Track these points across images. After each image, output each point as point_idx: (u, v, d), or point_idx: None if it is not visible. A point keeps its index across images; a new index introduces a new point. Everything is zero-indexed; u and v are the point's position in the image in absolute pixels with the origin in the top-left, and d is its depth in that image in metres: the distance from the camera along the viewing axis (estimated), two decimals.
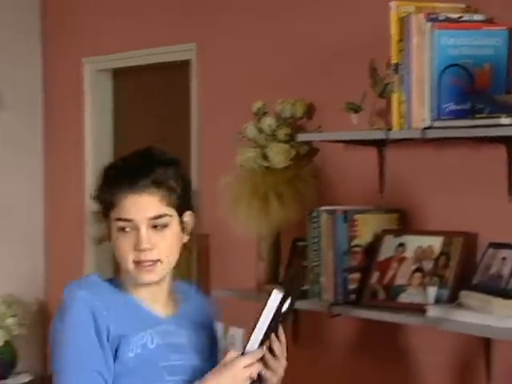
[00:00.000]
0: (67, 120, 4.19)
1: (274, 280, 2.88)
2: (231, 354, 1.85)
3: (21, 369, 4.03)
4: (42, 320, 4.24)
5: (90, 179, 3.92)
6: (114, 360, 1.85)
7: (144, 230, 1.86)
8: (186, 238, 1.92)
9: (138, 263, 1.86)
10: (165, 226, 1.87)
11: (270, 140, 2.88)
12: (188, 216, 1.92)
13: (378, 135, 2.52)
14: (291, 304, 1.87)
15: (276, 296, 1.81)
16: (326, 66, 2.90)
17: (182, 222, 1.90)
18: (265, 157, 2.87)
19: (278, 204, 2.82)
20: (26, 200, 4.32)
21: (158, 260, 1.87)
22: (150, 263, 1.87)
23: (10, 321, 4.02)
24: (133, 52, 3.74)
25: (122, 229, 1.87)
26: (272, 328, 1.84)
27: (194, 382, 1.88)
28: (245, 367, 1.84)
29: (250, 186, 2.86)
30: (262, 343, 1.84)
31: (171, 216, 1.88)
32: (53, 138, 4.29)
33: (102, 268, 3.90)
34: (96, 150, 4.05)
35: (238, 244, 3.13)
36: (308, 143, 2.86)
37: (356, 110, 2.64)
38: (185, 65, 3.49)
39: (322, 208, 2.66)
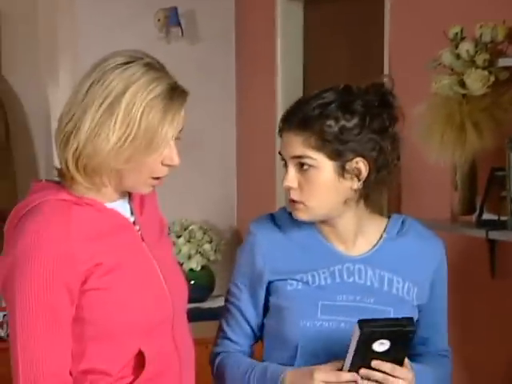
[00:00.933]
0: (258, 50, 4.23)
1: (469, 211, 2.84)
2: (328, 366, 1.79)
3: (217, 293, 4.17)
4: (237, 246, 4.35)
5: (280, 108, 3.96)
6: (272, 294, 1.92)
7: (291, 169, 1.85)
8: (355, 185, 1.85)
9: (288, 199, 1.88)
10: (308, 167, 1.84)
11: (467, 66, 2.78)
12: (357, 163, 1.84)
13: None
14: (393, 343, 1.74)
15: (355, 331, 1.71)
16: None
17: (342, 168, 1.84)
18: (461, 84, 2.79)
19: (475, 133, 2.75)
20: (218, 128, 4.41)
21: (301, 202, 1.85)
22: (293, 202, 1.87)
23: (206, 246, 4.15)
24: None
25: (284, 164, 1.89)
26: (360, 359, 1.75)
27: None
28: (322, 381, 1.78)
29: (445, 115, 2.79)
30: (350, 370, 1.75)
31: (315, 159, 1.83)
32: (245, 68, 4.35)
33: None
34: (286, 79, 4.06)
35: (432, 174, 3.08)
36: (508, 69, 2.75)
37: None
38: None
39: None
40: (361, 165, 1.84)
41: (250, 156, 4.37)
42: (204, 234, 4.17)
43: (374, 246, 1.92)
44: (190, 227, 4.15)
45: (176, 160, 1.80)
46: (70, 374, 1.79)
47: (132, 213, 1.88)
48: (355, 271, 1.90)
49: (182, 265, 4.08)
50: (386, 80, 1.92)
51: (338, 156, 1.83)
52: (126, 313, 1.79)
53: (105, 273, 1.77)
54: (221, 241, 4.24)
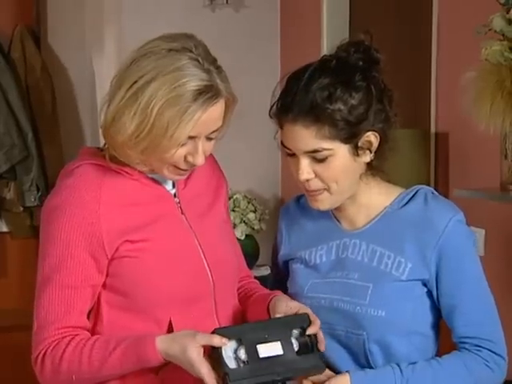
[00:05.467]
0: (304, 16, 4.18)
1: None
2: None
3: (262, 262, 4.15)
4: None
5: None
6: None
7: (303, 162, 1.77)
8: (368, 158, 1.80)
9: (305, 190, 1.82)
10: (325, 158, 1.76)
11: None
12: (368, 136, 1.78)
13: None
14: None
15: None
16: None
17: (355, 147, 1.78)
18: None
19: None
20: (263, 98, 4.35)
21: (324, 189, 1.79)
22: (314, 192, 1.80)
23: (250, 216, 4.14)
24: None
25: (287, 153, 1.80)
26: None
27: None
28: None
29: (495, 81, 2.72)
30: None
31: (331, 149, 1.75)
32: (290, 36, 4.30)
33: None
34: (333, 47, 4.01)
35: (481, 142, 3.03)
36: None
37: None
38: None
39: None
40: (372, 137, 1.79)
41: None
42: (248, 203, 4.16)
43: (373, 219, 1.86)
44: (235, 196, 4.14)
45: (198, 160, 1.74)
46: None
47: (174, 185, 1.85)
48: (350, 246, 1.85)
49: None
50: (362, 36, 1.84)
51: (353, 138, 1.77)
52: (156, 285, 1.75)
53: (134, 241, 1.75)
54: (265, 210, 4.23)
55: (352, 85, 1.75)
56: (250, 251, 4.12)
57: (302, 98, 1.74)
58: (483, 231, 2.68)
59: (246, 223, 4.13)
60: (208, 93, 1.71)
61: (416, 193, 1.87)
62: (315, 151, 1.75)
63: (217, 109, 1.74)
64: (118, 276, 1.76)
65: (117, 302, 1.77)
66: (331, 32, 4.01)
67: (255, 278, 4.23)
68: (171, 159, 1.74)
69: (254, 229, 4.14)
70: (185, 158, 1.74)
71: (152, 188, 1.80)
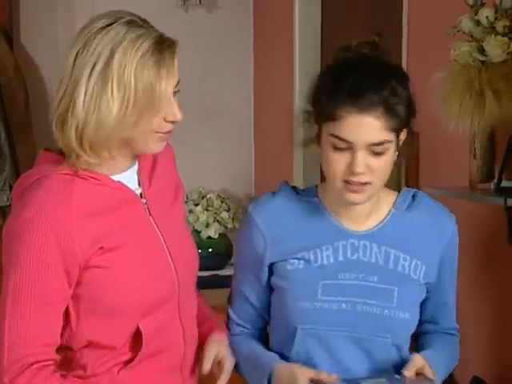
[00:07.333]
0: (276, 17, 4.21)
1: (488, 178, 2.81)
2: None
3: (234, 260, 4.21)
4: None
5: (298, 76, 3.95)
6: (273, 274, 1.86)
7: (361, 155, 1.71)
8: (395, 156, 1.79)
9: (347, 182, 1.74)
10: (383, 152, 1.73)
11: (487, 33, 2.74)
12: (404, 134, 1.79)
13: None
14: None
15: None
16: None
17: (398, 143, 1.77)
18: (481, 51, 2.74)
19: (494, 100, 2.71)
20: (236, 97, 4.40)
21: (369, 183, 1.74)
22: (360, 185, 1.74)
23: (224, 215, 4.16)
24: None
25: (337, 147, 1.73)
26: None
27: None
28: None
29: (464, 82, 2.75)
30: None
31: (391, 142, 1.73)
32: (262, 36, 4.33)
33: (310, 168, 3.95)
34: (304, 47, 4.04)
35: (450, 142, 3.06)
36: None
37: None
38: None
39: None
40: (404, 134, 1.80)
41: (267, 124, 4.36)
42: (222, 202, 4.18)
43: (382, 221, 1.84)
44: (208, 195, 4.16)
45: (178, 115, 1.73)
46: (71, 349, 1.76)
47: (139, 184, 1.82)
48: (360, 247, 1.82)
49: (199, 233, 4.11)
50: (375, 38, 1.83)
51: (400, 132, 1.76)
52: (124, 291, 1.74)
53: (106, 251, 1.72)
54: (238, 209, 4.25)
55: (404, 74, 1.77)
56: (223, 250, 4.15)
57: (372, 89, 1.70)
58: None
59: (219, 222, 4.14)
60: (165, 42, 1.71)
61: (414, 196, 1.89)
62: (379, 144, 1.71)
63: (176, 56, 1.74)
64: (85, 285, 1.73)
65: (83, 308, 1.75)
66: (303, 32, 4.03)
67: (228, 276, 4.28)
68: (156, 124, 1.71)
69: (227, 228, 4.16)
70: (164, 119, 1.73)
71: (120, 191, 1.77)
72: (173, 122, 1.74)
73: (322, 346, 1.80)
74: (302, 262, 1.82)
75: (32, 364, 1.69)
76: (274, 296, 1.88)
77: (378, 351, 1.82)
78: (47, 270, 1.68)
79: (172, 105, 1.72)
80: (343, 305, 1.79)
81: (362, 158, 1.71)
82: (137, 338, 1.76)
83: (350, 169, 1.72)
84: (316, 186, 1.90)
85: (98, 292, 1.73)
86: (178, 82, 1.73)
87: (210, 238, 4.11)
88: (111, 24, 1.69)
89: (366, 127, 1.70)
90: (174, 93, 1.73)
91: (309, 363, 1.80)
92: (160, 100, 1.69)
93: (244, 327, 1.94)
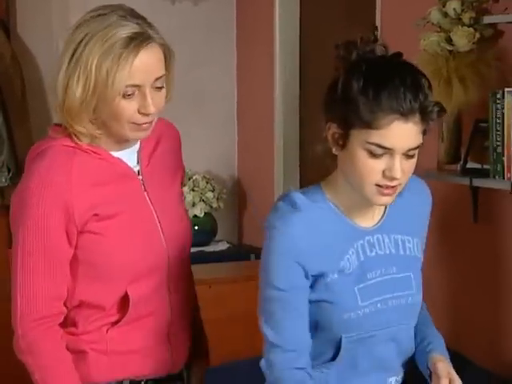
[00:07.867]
0: (258, 9, 4.29)
1: (455, 160, 2.92)
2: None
3: (219, 237, 4.33)
4: (238, 194, 4.51)
5: (279, 66, 4.05)
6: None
7: (399, 160, 1.67)
8: None
9: (380, 187, 1.70)
10: (415, 154, 1.70)
11: (454, 24, 2.83)
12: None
13: None
14: None
15: None
16: None
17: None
18: (448, 41, 2.83)
19: (461, 87, 2.80)
20: (220, 85, 4.48)
21: (400, 184, 1.72)
22: (394, 189, 1.71)
23: (209, 195, 4.26)
24: None
25: (374, 154, 1.67)
26: None
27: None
28: None
29: (433, 70, 2.83)
30: None
31: (422, 144, 1.71)
32: (244, 28, 4.41)
33: (289, 152, 4.07)
34: (284, 37, 4.12)
35: None
36: (492, 26, 2.81)
37: None
38: None
39: (507, 89, 2.63)
40: None
41: (249, 110, 4.45)
42: (207, 183, 4.27)
43: (384, 211, 1.83)
44: (194, 177, 4.25)
45: (149, 109, 1.77)
46: (66, 306, 1.86)
47: (138, 162, 1.90)
48: (375, 242, 1.80)
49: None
50: (377, 33, 1.84)
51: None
52: (115, 258, 1.82)
53: (101, 219, 1.81)
54: (222, 189, 4.34)
55: (429, 82, 1.73)
56: (209, 228, 4.27)
57: (412, 96, 1.65)
58: None
59: (204, 202, 4.23)
60: (138, 38, 1.74)
61: None
62: (416, 148, 1.69)
63: (151, 54, 1.76)
64: (81, 248, 1.82)
65: (79, 270, 1.84)
66: (283, 25, 4.11)
67: (213, 252, 4.35)
68: (128, 113, 1.76)
69: (212, 207, 4.26)
70: (138, 111, 1.78)
71: (118, 166, 1.85)
72: (145, 115, 1.78)
73: (364, 346, 1.79)
74: (336, 272, 1.75)
75: (43, 317, 1.81)
76: (310, 308, 1.78)
77: (404, 337, 1.84)
78: (52, 230, 1.78)
79: (145, 98, 1.76)
80: (378, 305, 1.78)
81: (399, 163, 1.68)
82: (124, 302, 1.85)
83: (388, 174, 1.68)
84: (318, 186, 1.82)
85: (91, 256, 1.82)
86: (160, 77, 1.78)
87: (196, 216, 4.19)
88: (103, 14, 1.77)
89: (409, 134, 1.67)
90: (156, 88, 1.79)
91: (351, 362, 1.80)
92: (111, 90, 1.73)
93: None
